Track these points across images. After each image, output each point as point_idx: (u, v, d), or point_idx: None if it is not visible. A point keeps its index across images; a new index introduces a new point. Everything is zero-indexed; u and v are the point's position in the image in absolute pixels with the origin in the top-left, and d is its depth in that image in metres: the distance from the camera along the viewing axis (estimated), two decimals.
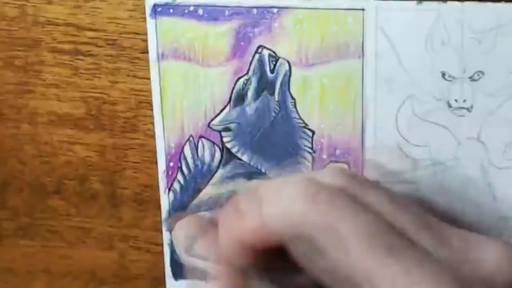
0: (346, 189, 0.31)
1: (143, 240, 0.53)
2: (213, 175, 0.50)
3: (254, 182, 0.36)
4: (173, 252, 0.52)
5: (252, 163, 0.49)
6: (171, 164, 0.50)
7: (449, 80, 0.45)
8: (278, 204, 0.31)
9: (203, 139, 0.49)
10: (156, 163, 0.50)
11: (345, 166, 0.34)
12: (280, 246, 0.32)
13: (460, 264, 0.29)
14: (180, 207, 0.51)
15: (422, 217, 0.32)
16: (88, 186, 0.52)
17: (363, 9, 0.45)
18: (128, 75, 0.50)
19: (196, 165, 0.50)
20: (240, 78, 0.48)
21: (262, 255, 0.33)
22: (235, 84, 0.48)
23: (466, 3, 0.43)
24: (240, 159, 0.49)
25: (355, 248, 0.28)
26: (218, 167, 0.50)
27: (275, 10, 0.46)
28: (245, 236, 0.32)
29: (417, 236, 0.31)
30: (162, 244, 0.52)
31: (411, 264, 0.28)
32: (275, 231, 0.31)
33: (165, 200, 0.51)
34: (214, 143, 0.49)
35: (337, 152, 0.48)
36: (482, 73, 0.44)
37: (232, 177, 0.50)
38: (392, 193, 0.33)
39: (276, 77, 0.48)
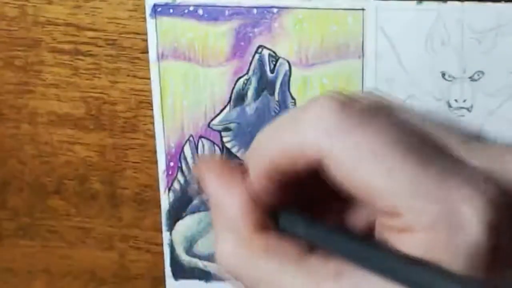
0: (373, 104, 0.30)
1: (143, 240, 0.53)
2: None
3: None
4: (173, 252, 0.52)
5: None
6: (171, 164, 0.50)
7: (449, 80, 0.45)
8: (299, 125, 0.29)
9: (203, 139, 0.49)
10: (156, 163, 0.50)
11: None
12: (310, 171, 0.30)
13: (500, 177, 0.28)
14: (180, 207, 0.51)
15: (458, 134, 0.31)
16: (88, 186, 0.52)
17: (363, 9, 0.45)
18: (128, 75, 0.50)
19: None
20: (240, 78, 0.48)
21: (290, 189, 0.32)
22: (235, 84, 0.48)
23: (466, 3, 0.43)
24: (240, 159, 0.49)
25: (387, 162, 0.27)
26: None
27: (275, 10, 0.46)
28: (280, 158, 0.30)
29: (454, 147, 0.29)
30: (162, 244, 0.52)
31: (448, 172, 0.27)
32: (310, 150, 0.29)
33: (165, 200, 0.51)
34: (214, 143, 0.49)
35: None
36: (482, 73, 0.44)
37: None
38: (418, 113, 0.32)
39: (276, 77, 0.48)
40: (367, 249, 0.28)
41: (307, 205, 0.32)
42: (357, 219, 0.32)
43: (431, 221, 0.26)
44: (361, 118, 0.28)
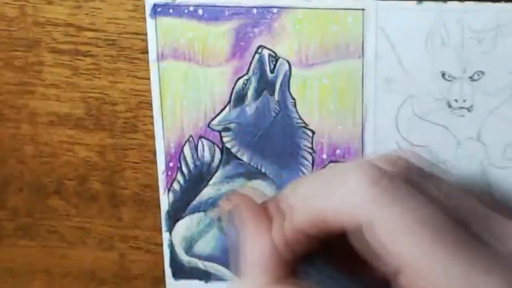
0: (407, 176, 0.31)
1: (143, 240, 0.53)
2: (213, 175, 0.50)
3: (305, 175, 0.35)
4: (173, 252, 0.52)
5: (252, 163, 0.49)
6: (171, 164, 0.50)
7: (449, 80, 0.45)
8: (338, 191, 0.30)
9: (203, 139, 0.49)
10: (156, 163, 0.50)
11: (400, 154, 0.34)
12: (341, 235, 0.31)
13: None
14: (180, 208, 0.51)
15: (480, 208, 0.31)
16: (88, 186, 0.52)
17: (363, 9, 0.45)
18: (128, 75, 0.50)
19: (196, 165, 0.50)
20: (240, 78, 0.48)
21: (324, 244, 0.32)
22: (235, 84, 0.48)
23: (466, 3, 0.43)
24: (240, 159, 0.49)
25: (419, 241, 0.28)
26: (218, 167, 0.50)
27: (275, 10, 0.46)
28: (304, 226, 0.31)
29: (477, 228, 0.30)
30: (162, 244, 0.52)
31: (476, 258, 0.28)
32: (335, 220, 0.30)
33: (165, 200, 0.51)
34: (214, 143, 0.49)
35: (337, 152, 0.48)
36: (482, 73, 0.44)
37: (232, 177, 0.50)
38: (449, 182, 0.33)
39: (276, 77, 0.48)
40: None
41: (329, 254, 0.32)
42: (374, 276, 0.32)
43: None
44: (394, 194, 0.29)
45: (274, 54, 0.47)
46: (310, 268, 0.31)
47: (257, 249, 0.32)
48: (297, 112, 0.48)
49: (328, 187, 0.31)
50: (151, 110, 0.50)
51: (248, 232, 0.33)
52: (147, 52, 0.49)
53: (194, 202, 0.50)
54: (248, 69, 0.48)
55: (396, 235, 0.28)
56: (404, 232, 0.28)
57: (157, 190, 0.51)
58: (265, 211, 0.33)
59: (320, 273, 0.31)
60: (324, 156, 0.48)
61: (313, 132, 0.48)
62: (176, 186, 0.50)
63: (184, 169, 0.50)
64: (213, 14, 0.47)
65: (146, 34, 0.48)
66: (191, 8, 0.47)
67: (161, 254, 0.52)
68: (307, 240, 0.32)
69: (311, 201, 0.31)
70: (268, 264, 0.31)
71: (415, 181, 0.31)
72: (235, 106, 0.48)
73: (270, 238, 0.32)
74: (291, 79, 0.47)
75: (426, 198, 0.30)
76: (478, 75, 0.44)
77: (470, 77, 0.44)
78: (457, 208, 0.30)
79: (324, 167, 0.47)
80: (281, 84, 0.48)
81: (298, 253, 0.32)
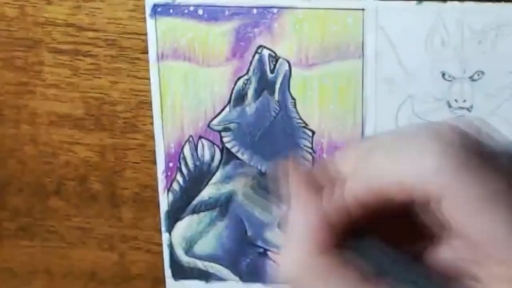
0: (474, 145, 0.30)
1: (143, 240, 0.53)
2: (213, 175, 0.50)
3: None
4: (172, 252, 0.52)
5: (252, 163, 0.49)
6: (171, 164, 0.50)
7: (449, 80, 0.45)
8: (405, 159, 0.29)
9: (203, 139, 0.49)
10: (155, 163, 0.50)
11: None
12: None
13: None
14: (179, 208, 0.51)
15: None
16: (88, 186, 0.52)
17: (363, 9, 0.45)
18: (128, 75, 0.50)
19: (195, 165, 0.50)
20: (240, 78, 0.48)
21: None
22: (235, 84, 0.48)
23: (466, 3, 0.43)
24: (240, 159, 0.49)
25: (491, 217, 0.27)
26: (218, 167, 0.50)
27: (275, 10, 0.46)
28: (361, 193, 0.30)
29: None
30: (162, 244, 0.52)
31: None
32: (399, 190, 0.29)
33: (164, 201, 0.51)
34: (214, 143, 0.49)
35: None
36: (482, 73, 0.44)
37: (232, 177, 0.50)
38: (505, 150, 0.32)
39: (276, 77, 0.48)
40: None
41: (384, 231, 0.32)
42: (435, 256, 0.32)
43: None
44: (466, 165, 0.28)
45: (274, 54, 0.47)
46: (358, 242, 0.31)
47: (305, 217, 0.31)
48: (297, 112, 0.48)
49: (393, 153, 0.30)
50: (151, 110, 0.50)
51: (297, 201, 0.32)
52: (147, 52, 0.49)
53: (194, 202, 0.50)
54: (248, 69, 0.48)
55: (467, 209, 0.28)
56: (492, 201, 0.28)
57: (157, 190, 0.51)
58: (314, 178, 0.33)
59: (367, 247, 0.31)
60: (324, 156, 0.48)
61: (313, 132, 0.48)
62: (175, 186, 0.50)
63: (184, 169, 0.50)
64: (213, 14, 0.47)
65: (146, 34, 0.48)
66: (191, 8, 0.47)
67: (161, 254, 0.52)
68: (358, 210, 0.31)
69: (371, 168, 0.30)
70: (314, 233, 0.31)
71: (480, 151, 0.30)
72: (235, 106, 0.48)
73: (318, 207, 0.31)
74: (291, 79, 0.47)
75: (494, 170, 0.29)
76: (478, 75, 0.44)
77: (470, 77, 0.44)
78: None
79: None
80: (281, 84, 0.48)
81: (347, 224, 0.31)
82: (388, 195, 0.29)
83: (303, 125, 0.48)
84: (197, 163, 0.50)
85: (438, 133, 0.29)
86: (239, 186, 0.50)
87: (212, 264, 0.51)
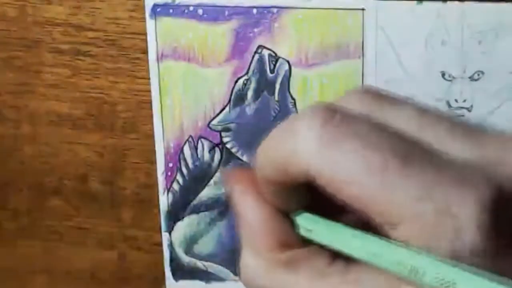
0: (369, 109, 0.30)
1: (143, 240, 0.53)
2: (213, 175, 0.50)
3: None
4: (173, 252, 0.52)
5: (252, 163, 0.49)
6: (170, 164, 0.50)
7: (449, 80, 0.44)
8: (292, 137, 0.29)
9: (202, 139, 0.49)
10: (155, 163, 0.50)
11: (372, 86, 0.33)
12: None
13: (495, 166, 0.28)
14: (179, 208, 0.51)
15: (455, 127, 0.30)
16: (88, 186, 0.52)
17: (363, 9, 0.45)
18: (128, 75, 0.50)
19: (195, 165, 0.50)
20: (240, 78, 0.48)
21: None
22: (234, 84, 0.48)
23: (466, 3, 0.43)
24: (240, 159, 0.49)
25: (383, 172, 0.27)
26: (218, 167, 0.50)
27: (275, 10, 0.46)
28: (268, 174, 0.30)
29: (445, 146, 0.29)
30: (162, 244, 0.52)
31: (441, 173, 0.27)
32: (294, 168, 0.29)
33: (164, 201, 0.51)
34: (213, 143, 0.49)
35: None
36: (482, 73, 0.44)
37: None
38: (424, 108, 0.32)
39: (276, 77, 0.48)
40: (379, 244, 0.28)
41: (322, 206, 0.32)
42: (355, 221, 0.32)
43: (424, 218, 0.27)
44: (349, 130, 0.28)
45: (274, 54, 0.47)
46: (309, 222, 0.31)
47: (256, 218, 0.32)
48: (297, 112, 0.48)
49: (284, 133, 0.30)
50: (151, 110, 0.50)
51: (247, 203, 0.32)
52: (147, 52, 0.49)
53: (194, 202, 0.50)
54: (248, 69, 0.48)
55: (353, 174, 0.28)
56: (361, 169, 0.28)
57: (157, 190, 0.51)
58: (252, 173, 0.33)
59: (313, 224, 0.31)
60: None
61: None
62: (175, 186, 0.50)
63: (183, 169, 0.50)
64: (213, 14, 0.47)
65: (146, 34, 0.48)
66: (191, 8, 0.47)
67: (161, 254, 0.52)
68: (280, 191, 0.31)
69: (270, 149, 0.31)
70: (270, 231, 0.31)
71: (376, 110, 0.30)
72: (235, 106, 0.48)
73: (267, 205, 0.32)
74: (291, 79, 0.47)
75: (382, 128, 0.29)
76: (478, 75, 0.44)
77: (470, 77, 0.44)
78: (423, 131, 0.29)
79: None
80: (281, 84, 0.47)
81: (288, 208, 0.31)
82: (289, 173, 0.29)
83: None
84: (197, 163, 0.50)
85: (320, 106, 0.29)
86: None
87: (212, 264, 0.51)
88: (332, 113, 0.29)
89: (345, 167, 0.28)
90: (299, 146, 0.29)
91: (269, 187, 0.31)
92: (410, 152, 0.28)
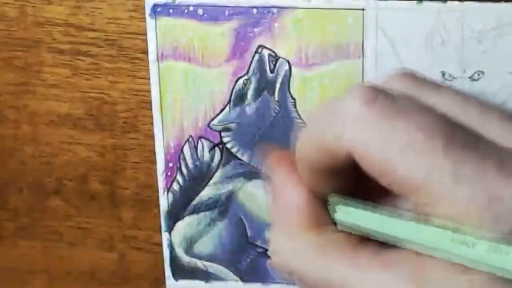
0: (409, 92, 0.30)
1: (143, 240, 0.53)
2: (213, 175, 0.50)
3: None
4: (173, 252, 0.52)
5: (252, 163, 0.49)
6: (170, 164, 0.50)
7: (449, 80, 0.45)
8: (334, 116, 0.29)
9: (202, 139, 0.49)
10: (155, 163, 0.50)
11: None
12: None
13: None
14: (179, 208, 0.51)
15: (499, 114, 0.30)
16: (88, 186, 0.52)
17: (363, 9, 0.45)
18: (128, 75, 0.50)
19: (195, 166, 0.50)
20: (240, 78, 0.48)
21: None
22: (235, 84, 0.48)
23: (466, 3, 0.43)
24: (240, 159, 0.49)
25: (427, 154, 0.27)
26: (218, 167, 0.50)
27: (275, 10, 0.46)
28: (312, 158, 0.30)
29: (489, 132, 0.29)
30: (162, 244, 0.52)
31: (485, 157, 0.27)
32: (337, 147, 0.29)
33: (164, 201, 0.51)
34: (213, 143, 0.49)
35: None
36: (482, 73, 0.44)
37: (232, 177, 0.50)
38: (466, 94, 0.32)
39: (276, 77, 0.48)
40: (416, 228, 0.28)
41: (359, 192, 0.32)
42: (403, 204, 0.32)
43: (466, 200, 0.27)
44: (393, 110, 0.28)
45: (274, 54, 0.47)
46: (343, 206, 0.31)
47: (292, 197, 0.32)
48: (297, 112, 0.48)
49: (328, 115, 0.30)
50: (151, 110, 0.50)
51: (285, 182, 0.32)
52: (147, 52, 0.49)
53: (194, 202, 0.50)
54: (248, 69, 0.48)
55: (398, 155, 0.28)
56: (406, 149, 0.27)
57: (157, 190, 0.51)
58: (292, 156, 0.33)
59: (352, 209, 0.31)
60: None
61: None
62: (175, 186, 0.50)
63: (183, 169, 0.50)
64: (213, 14, 0.47)
65: (146, 34, 0.48)
66: (191, 8, 0.47)
67: (161, 254, 0.52)
68: (321, 178, 0.31)
69: (313, 131, 0.31)
70: (304, 210, 0.31)
71: (416, 94, 0.30)
72: (235, 106, 0.48)
73: (304, 186, 0.32)
74: (291, 79, 0.47)
75: (425, 109, 0.29)
76: (478, 75, 0.44)
77: (470, 77, 0.44)
78: (468, 115, 0.29)
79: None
80: (281, 84, 0.48)
81: (326, 191, 0.31)
82: (333, 154, 0.29)
83: (303, 125, 0.48)
84: (197, 163, 0.50)
85: (363, 85, 0.29)
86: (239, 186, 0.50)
87: (212, 264, 0.51)
88: (376, 93, 0.29)
89: (390, 147, 0.28)
90: (344, 127, 0.29)
91: (309, 170, 0.31)
92: (455, 134, 0.28)
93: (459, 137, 0.28)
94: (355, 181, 0.31)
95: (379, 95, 0.28)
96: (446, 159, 0.27)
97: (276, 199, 0.32)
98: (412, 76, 0.31)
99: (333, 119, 0.29)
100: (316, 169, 0.31)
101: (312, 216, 0.31)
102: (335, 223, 0.31)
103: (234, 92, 0.48)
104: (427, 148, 0.27)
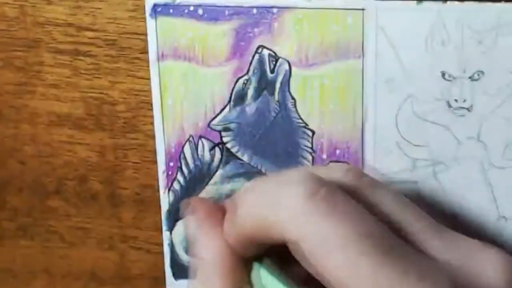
0: (351, 187, 0.31)
1: (143, 240, 0.53)
2: (213, 175, 0.50)
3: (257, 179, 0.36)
4: (173, 252, 0.52)
5: (252, 163, 0.49)
6: (171, 164, 0.50)
7: (449, 80, 0.45)
8: (277, 202, 0.30)
9: (203, 139, 0.49)
10: (156, 163, 0.51)
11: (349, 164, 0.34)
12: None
13: (460, 270, 0.29)
14: (180, 207, 0.51)
15: (431, 222, 0.32)
16: (88, 186, 0.52)
17: (363, 9, 0.45)
18: (128, 75, 0.50)
19: (196, 165, 0.50)
20: (240, 78, 0.48)
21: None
22: (235, 84, 0.48)
23: (466, 3, 0.43)
24: (240, 159, 0.49)
25: (347, 255, 0.28)
26: (218, 167, 0.50)
27: (275, 10, 0.46)
28: (248, 232, 0.31)
29: (422, 237, 0.30)
30: (162, 244, 0.52)
31: (409, 266, 0.28)
32: (275, 232, 0.30)
33: (165, 200, 0.51)
34: (214, 143, 0.49)
35: (337, 152, 0.48)
36: (482, 73, 0.44)
37: (232, 177, 0.50)
38: (402, 196, 0.33)
39: (276, 77, 0.48)
40: None
41: (278, 255, 0.32)
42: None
43: None
44: (329, 207, 0.29)
45: (274, 54, 0.47)
46: (261, 271, 0.31)
47: (209, 248, 0.32)
48: (297, 112, 0.48)
49: (270, 196, 0.31)
50: (151, 110, 0.50)
51: (201, 232, 0.33)
52: (147, 52, 0.49)
53: None
54: (248, 69, 0.48)
55: (325, 249, 0.28)
56: (336, 247, 0.28)
57: (157, 190, 0.51)
58: (220, 212, 0.33)
59: (269, 274, 0.31)
60: (324, 156, 0.48)
61: (313, 132, 0.48)
62: (176, 186, 0.50)
63: (184, 169, 0.50)
64: (213, 14, 0.47)
65: (146, 34, 0.48)
66: (191, 8, 0.47)
67: (161, 254, 0.52)
68: (252, 244, 0.32)
69: (254, 209, 0.32)
70: (220, 265, 0.32)
71: (359, 191, 0.31)
72: (235, 106, 0.48)
73: (221, 238, 0.32)
74: (291, 79, 0.47)
75: (363, 209, 0.30)
76: (478, 75, 0.44)
77: (470, 77, 0.44)
78: (403, 217, 0.31)
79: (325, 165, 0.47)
80: (281, 84, 0.48)
81: (247, 255, 0.32)
82: (270, 235, 0.30)
83: (303, 125, 0.48)
84: (197, 163, 0.50)
85: (308, 175, 0.30)
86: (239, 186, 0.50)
87: None
88: (318, 186, 0.30)
89: (326, 241, 0.28)
90: (284, 215, 0.30)
91: (242, 238, 0.31)
92: (389, 241, 0.29)
93: (394, 244, 0.29)
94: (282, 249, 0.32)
95: (322, 188, 0.29)
96: (369, 265, 0.28)
97: (199, 254, 0.32)
98: (357, 171, 0.32)
99: (274, 204, 0.30)
100: (249, 239, 0.31)
101: (232, 278, 0.31)
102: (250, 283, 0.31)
103: (234, 92, 0.48)
104: (361, 251, 0.28)
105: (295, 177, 0.31)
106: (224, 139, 0.49)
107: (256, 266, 0.32)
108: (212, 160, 0.50)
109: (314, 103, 0.47)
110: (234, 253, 0.32)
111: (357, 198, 0.31)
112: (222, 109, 0.49)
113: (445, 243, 0.31)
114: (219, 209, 0.34)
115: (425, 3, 0.44)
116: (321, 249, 0.29)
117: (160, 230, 0.52)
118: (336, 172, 0.32)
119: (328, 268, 0.29)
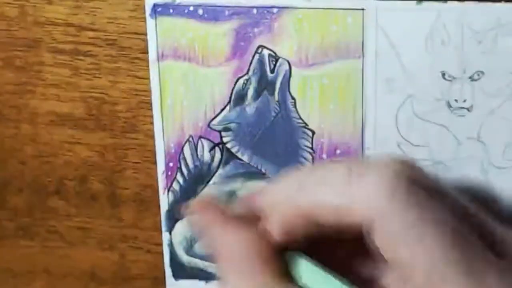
0: (420, 179, 0.31)
1: (143, 240, 0.53)
2: (213, 175, 0.50)
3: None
4: (173, 252, 0.52)
5: (252, 163, 0.49)
6: (171, 164, 0.50)
7: (449, 80, 0.45)
8: (368, 188, 0.30)
9: (203, 139, 0.49)
10: (156, 163, 0.50)
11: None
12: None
13: None
14: (179, 208, 0.51)
15: (478, 213, 0.32)
16: (88, 186, 0.52)
17: (363, 9, 0.45)
18: (128, 75, 0.50)
19: (195, 165, 0.50)
20: (240, 78, 0.48)
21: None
22: (235, 84, 0.48)
23: (466, 3, 0.43)
24: (240, 159, 0.49)
25: (432, 249, 0.28)
26: (218, 167, 0.50)
27: (275, 10, 0.46)
28: (320, 214, 0.31)
29: (498, 236, 0.31)
30: (162, 244, 0.52)
31: (475, 261, 0.28)
32: (359, 214, 0.30)
33: (165, 200, 0.51)
34: (214, 143, 0.49)
35: (337, 152, 0.48)
36: (482, 73, 0.44)
37: (232, 177, 0.50)
38: (447, 186, 0.33)
39: (276, 77, 0.48)
40: None
41: (315, 247, 0.32)
42: (363, 269, 0.32)
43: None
44: (415, 196, 0.29)
45: (274, 54, 0.47)
46: (295, 260, 0.31)
47: (241, 241, 0.32)
48: (297, 112, 0.48)
49: (344, 182, 0.31)
50: (151, 110, 0.50)
51: (221, 234, 0.33)
52: (147, 52, 0.49)
53: None
54: (248, 69, 0.48)
55: (409, 241, 0.29)
56: (418, 239, 0.28)
57: (157, 190, 0.51)
58: (222, 209, 0.33)
59: (312, 265, 0.31)
60: (324, 156, 0.48)
61: (313, 132, 0.48)
62: (176, 186, 0.50)
63: (184, 169, 0.50)
64: (213, 14, 0.47)
65: (146, 34, 0.48)
66: (191, 8, 0.47)
67: (161, 254, 0.52)
68: (300, 230, 0.31)
69: (302, 196, 0.31)
70: (255, 254, 0.31)
71: (425, 185, 0.31)
72: (235, 106, 0.48)
73: (250, 237, 0.32)
74: (291, 79, 0.47)
75: (436, 202, 0.30)
76: (478, 75, 0.44)
77: (470, 77, 0.44)
78: (475, 212, 0.31)
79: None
80: (281, 84, 0.48)
81: (286, 245, 0.32)
82: (319, 220, 0.30)
83: (303, 125, 0.48)
84: (197, 163, 0.50)
85: (380, 163, 0.30)
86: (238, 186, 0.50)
87: (212, 264, 0.51)
88: (407, 183, 0.30)
89: (409, 235, 0.29)
90: (367, 200, 0.30)
91: (287, 231, 0.31)
92: (463, 237, 0.29)
93: (468, 244, 0.29)
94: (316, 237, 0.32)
95: (403, 180, 0.29)
96: (448, 265, 0.28)
97: (221, 253, 0.32)
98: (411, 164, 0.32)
99: (352, 188, 0.30)
100: (305, 223, 0.31)
101: (267, 263, 0.31)
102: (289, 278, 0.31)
103: (234, 92, 0.48)
104: (434, 246, 0.28)
105: (374, 166, 0.30)
106: (224, 139, 0.49)
107: (294, 256, 0.31)
108: (212, 160, 0.50)
109: (314, 103, 0.47)
110: (268, 243, 0.32)
111: (429, 194, 0.30)
112: (222, 109, 0.49)
113: (500, 238, 0.31)
114: (219, 208, 0.34)
115: (425, 3, 0.44)
116: (402, 237, 0.29)
117: (160, 230, 0.52)
118: (396, 164, 0.31)
119: (405, 256, 0.29)
